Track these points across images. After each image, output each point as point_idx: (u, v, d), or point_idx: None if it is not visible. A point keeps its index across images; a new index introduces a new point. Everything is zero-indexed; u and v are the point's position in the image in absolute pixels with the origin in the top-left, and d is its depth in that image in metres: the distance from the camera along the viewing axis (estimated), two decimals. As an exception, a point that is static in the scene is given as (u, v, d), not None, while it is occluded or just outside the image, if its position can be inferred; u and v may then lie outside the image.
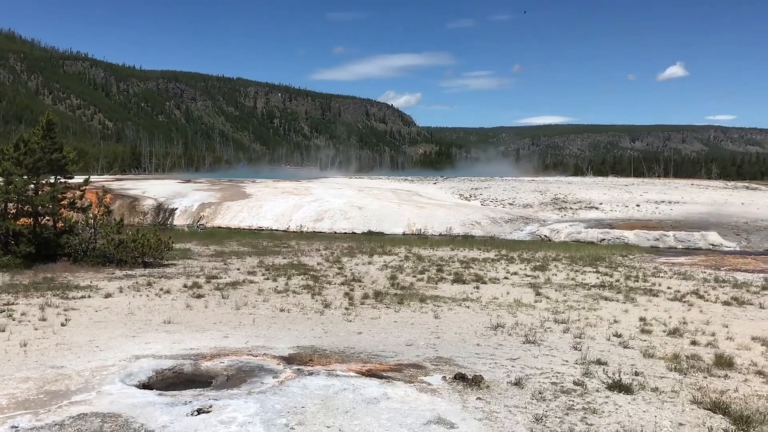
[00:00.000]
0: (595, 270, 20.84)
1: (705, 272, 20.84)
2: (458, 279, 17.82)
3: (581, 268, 21.16)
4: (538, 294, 15.53)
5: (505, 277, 18.66)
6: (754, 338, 10.88)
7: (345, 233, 37.34)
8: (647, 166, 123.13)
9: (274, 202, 44.86)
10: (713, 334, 11.15)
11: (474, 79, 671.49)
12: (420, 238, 34.95)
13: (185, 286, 15.61)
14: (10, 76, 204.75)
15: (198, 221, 41.62)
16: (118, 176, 74.73)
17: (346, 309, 13.07)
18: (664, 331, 11.41)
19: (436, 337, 10.64)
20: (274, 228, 39.34)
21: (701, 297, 15.60)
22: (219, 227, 39.83)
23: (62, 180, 20.53)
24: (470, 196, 53.39)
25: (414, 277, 18.35)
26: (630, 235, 34.78)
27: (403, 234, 37.55)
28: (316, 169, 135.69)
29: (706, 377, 8.38)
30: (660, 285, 17.66)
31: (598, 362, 8.86)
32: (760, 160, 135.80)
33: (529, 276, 19.11)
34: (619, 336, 10.82)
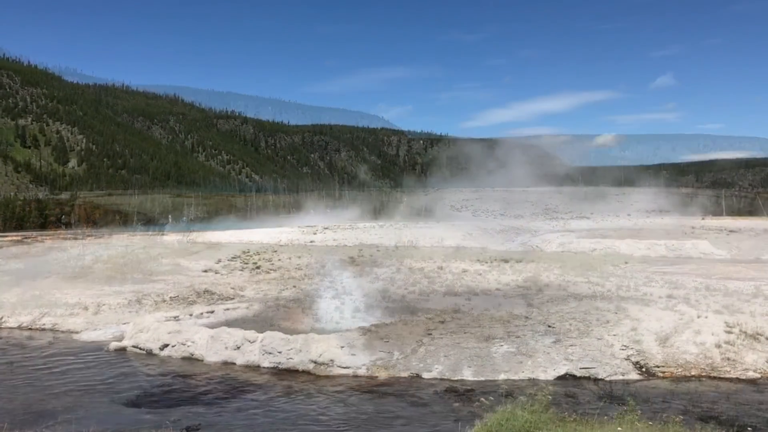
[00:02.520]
0: (586, 280, 20.82)
1: (696, 281, 20.86)
2: (450, 291, 17.76)
3: (573, 279, 21.14)
4: (530, 305, 15.50)
5: (497, 288, 18.62)
6: (744, 347, 10.88)
7: (336, 246, 37.20)
8: (637, 176, 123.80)
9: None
10: (704, 344, 11.14)
11: (465, 90, 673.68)
12: (412, 250, 34.83)
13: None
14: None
15: (187, 238, 41.40)
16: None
17: (337, 323, 12.99)
18: (655, 341, 11.39)
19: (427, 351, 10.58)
20: (264, 242, 39.13)
21: (692, 306, 15.59)
22: (210, 242, 39.59)
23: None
24: (461, 207, 53.46)
25: (405, 289, 18.27)
26: (621, 245, 34.74)
27: (395, 246, 37.43)
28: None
29: (698, 387, 8.37)
30: (651, 294, 17.65)
31: (590, 374, 8.83)
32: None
33: (521, 287, 19.08)
34: (611, 346, 10.81)
